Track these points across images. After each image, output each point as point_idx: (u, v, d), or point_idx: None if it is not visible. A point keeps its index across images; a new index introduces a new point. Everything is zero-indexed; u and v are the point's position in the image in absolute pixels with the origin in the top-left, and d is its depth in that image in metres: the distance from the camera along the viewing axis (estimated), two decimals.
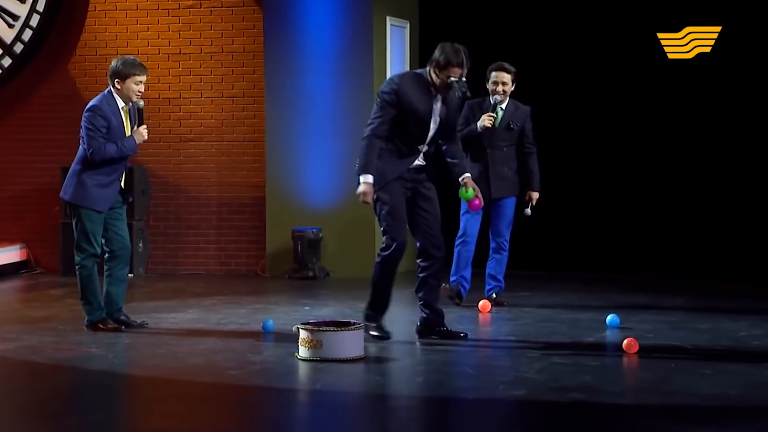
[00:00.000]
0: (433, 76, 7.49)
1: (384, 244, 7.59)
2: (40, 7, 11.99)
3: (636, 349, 7.32)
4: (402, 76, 7.68)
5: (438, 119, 7.57)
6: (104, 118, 7.98)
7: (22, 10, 12.05)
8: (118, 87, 8.05)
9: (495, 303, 9.11)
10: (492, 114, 9.03)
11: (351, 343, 7.05)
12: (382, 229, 7.62)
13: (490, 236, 9.24)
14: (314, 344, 7.00)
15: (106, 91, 8.11)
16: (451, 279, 9.19)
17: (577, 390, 6.28)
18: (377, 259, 7.66)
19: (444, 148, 7.78)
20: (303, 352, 7.06)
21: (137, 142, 8.09)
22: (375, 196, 7.53)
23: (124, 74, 8.02)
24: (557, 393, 6.23)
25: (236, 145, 11.80)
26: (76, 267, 8.13)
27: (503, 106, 9.13)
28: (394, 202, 7.53)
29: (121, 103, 8.08)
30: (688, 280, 10.81)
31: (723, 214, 11.23)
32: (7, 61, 12.14)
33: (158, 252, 11.92)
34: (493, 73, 9.11)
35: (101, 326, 8.11)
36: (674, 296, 9.74)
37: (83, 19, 12.05)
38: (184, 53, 11.82)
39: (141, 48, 11.89)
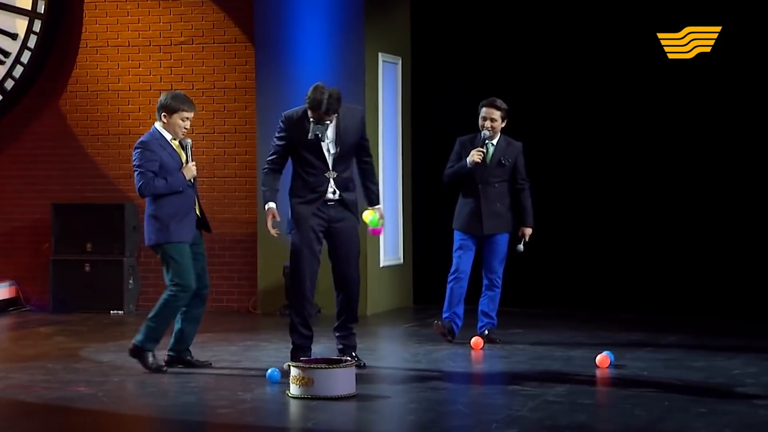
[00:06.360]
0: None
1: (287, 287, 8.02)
2: (31, 43, 11.97)
3: (607, 364, 7.92)
4: (289, 112, 8.05)
5: (334, 144, 7.89)
6: (154, 152, 7.95)
7: (13, 47, 12.04)
8: (165, 121, 8.01)
9: (487, 340, 9.06)
10: (481, 149, 9.00)
11: (343, 381, 7.00)
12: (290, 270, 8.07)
13: (483, 273, 9.20)
14: (305, 382, 6.95)
15: (152, 128, 8.09)
16: (444, 316, 9.14)
17: (570, 428, 6.23)
18: (288, 312, 8.13)
19: (360, 167, 8.12)
20: (294, 389, 7.00)
21: (187, 178, 8.03)
22: (289, 238, 8.03)
23: (172, 108, 7.99)
24: None
25: (228, 181, 11.77)
26: (168, 294, 7.96)
27: (494, 141, 9.11)
28: (301, 246, 7.96)
29: (168, 136, 8.04)
30: (683, 318, 10.75)
31: (718, 251, 11.17)
32: None
33: (149, 288, 11.84)
34: (483, 109, 9.10)
35: (144, 358, 7.96)
36: (668, 334, 9.69)
37: (74, 55, 12.04)
38: (175, 89, 11.78)
39: (132, 84, 11.88)
